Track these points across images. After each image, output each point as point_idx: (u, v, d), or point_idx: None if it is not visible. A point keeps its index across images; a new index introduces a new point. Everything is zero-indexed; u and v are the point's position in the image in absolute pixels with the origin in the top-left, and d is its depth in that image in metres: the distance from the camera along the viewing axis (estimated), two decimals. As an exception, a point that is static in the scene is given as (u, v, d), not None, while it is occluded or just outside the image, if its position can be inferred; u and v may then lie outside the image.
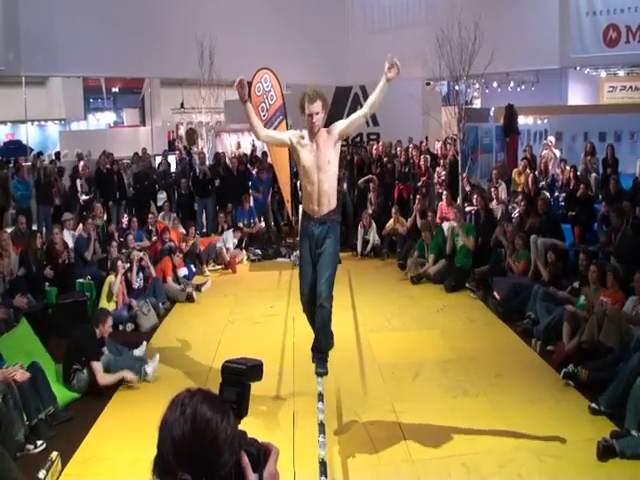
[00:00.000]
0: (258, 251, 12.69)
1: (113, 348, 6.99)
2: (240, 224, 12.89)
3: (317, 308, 5.36)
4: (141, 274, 9.60)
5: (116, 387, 6.54)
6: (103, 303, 8.59)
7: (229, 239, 12.25)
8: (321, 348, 5.53)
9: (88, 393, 6.35)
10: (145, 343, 7.59)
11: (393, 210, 12.57)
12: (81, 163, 13.91)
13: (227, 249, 12.06)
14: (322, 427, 4.78)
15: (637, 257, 8.51)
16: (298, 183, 11.06)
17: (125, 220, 12.06)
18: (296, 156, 5.44)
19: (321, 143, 5.25)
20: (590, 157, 14.50)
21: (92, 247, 10.23)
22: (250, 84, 12.70)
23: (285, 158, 12.82)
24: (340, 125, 5.35)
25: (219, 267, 11.86)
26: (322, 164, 5.24)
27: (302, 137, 5.33)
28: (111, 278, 8.90)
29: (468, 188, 12.92)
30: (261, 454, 1.68)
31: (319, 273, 5.33)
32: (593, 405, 5.62)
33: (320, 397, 5.18)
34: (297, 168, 5.63)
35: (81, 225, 11.27)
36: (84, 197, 13.55)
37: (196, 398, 1.59)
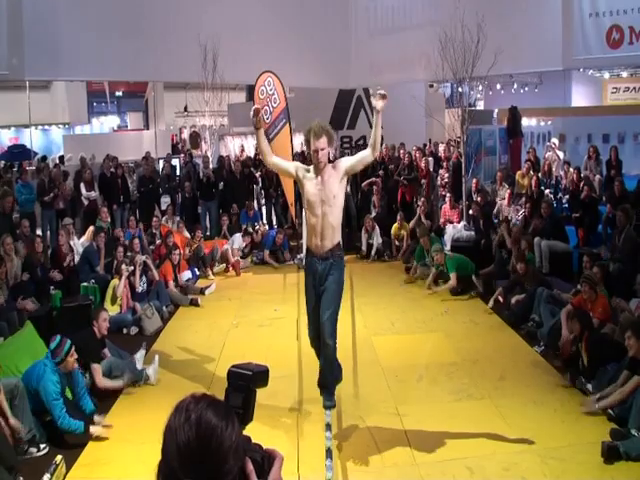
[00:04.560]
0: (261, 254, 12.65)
1: (114, 352, 7.01)
2: (251, 228, 12.86)
3: (321, 345, 5.39)
4: (144, 277, 9.62)
5: (120, 391, 6.54)
6: (107, 306, 8.60)
7: (237, 242, 12.24)
8: (327, 384, 5.55)
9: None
10: (144, 345, 7.59)
11: (398, 216, 12.55)
12: (87, 172, 13.93)
13: (234, 250, 12.04)
14: (329, 453, 4.84)
15: (636, 261, 8.52)
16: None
17: (132, 224, 12.09)
18: (301, 189, 5.47)
19: (326, 178, 5.27)
20: (592, 161, 14.46)
21: (103, 259, 10.26)
22: (254, 92, 12.74)
23: (289, 161, 12.81)
24: (346, 162, 5.39)
25: (222, 266, 11.83)
26: (327, 198, 5.26)
27: (308, 171, 5.36)
28: (115, 281, 8.93)
29: (476, 196, 12.89)
30: (266, 461, 1.69)
31: (322, 311, 5.33)
32: (610, 411, 5.58)
33: (328, 427, 5.23)
34: (303, 202, 5.65)
35: (90, 230, 11.30)
36: (92, 194, 13.56)
37: (201, 404, 1.58)
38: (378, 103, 5.06)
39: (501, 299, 9.11)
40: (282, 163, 5.71)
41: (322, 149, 5.21)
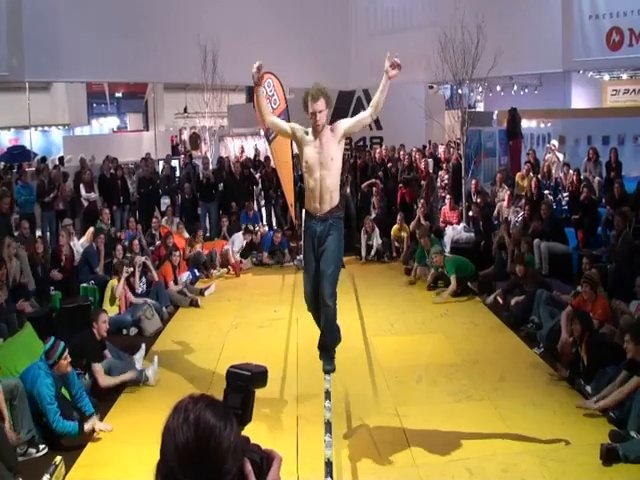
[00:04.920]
0: (260, 255, 12.66)
1: (114, 353, 7.02)
2: (251, 227, 12.84)
3: (321, 307, 5.35)
4: (144, 278, 9.62)
5: (119, 391, 6.54)
6: (106, 307, 8.60)
7: (237, 242, 12.24)
8: (327, 345, 5.53)
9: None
10: (143, 346, 7.59)
11: (398, 217, 12.56)
12: (87, 173, 13.93)
13: (233, 252, 12.04)
14: (329, 426, 4.79)
15: (633, 263, 8.53)
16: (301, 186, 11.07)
17: (132, 225, 12.10)
18: (299, 151, 5.47)
19: (324, 140, 5.26)
20: (592, 162, 14.47)
21: (102, 260, 10.27)
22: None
23: (288, 162, 12.83)
24: (344, 123, 5.37)
25: (224, 271, 11.83)
26: (325, 161, 5.25)
27: (306, 133, 5.35)
28: (114, 282, 8.93)
29: (475, 197, 12.90)
30: (264, 461, 1.69)
31: (322, 271, 5.31)
32: (611, 414, 5.58)
33: (327, 395, 5.19)
34: (300, 164, 5.64)
35: (89, 231, 11.30)
36: (92, 195, 13.56)
37: (199, 404, 1.58)
38: (391, 70, 5.10)
39: (500, 300, 9.11)
40: (280, 122, 5.74)
41: (320, 111, 5.20)
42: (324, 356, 5.54)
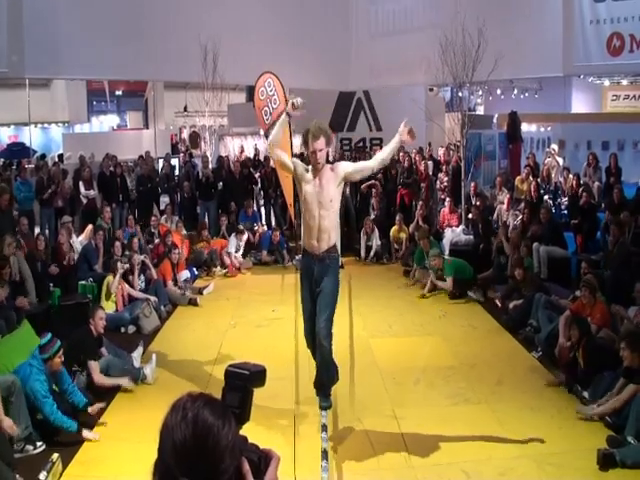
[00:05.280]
0: (260, 254, 12.65)
1: (112, 351, 7.01)
2: (241, 226, 12.81)
3: (317, 346, 5.39)
4: (142, 276, 9.61)
5: (117, 389, 6.53)
6: (102, 302, 8.59)
7: (232, 244, 12.24)
8: (323, 383, 5.57)
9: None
10: (142, 344, 7.58)
11: (397, 218, 12.57)
12: (86, 170, 13.92)
13: (229, 253, 12.05)
14: (325, 454, 4.85)
15: (630, 268, 8.53)
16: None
17: (131, 223, 12.10)
18: (299, 188, 5.47)
19: (324, 181, 5.27)
20: (592, 168, 14.48)
21: (101, 258, 10.26)
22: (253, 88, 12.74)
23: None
24: (346, 167, 5.40)
25: (224, 271, 11.84)
26: (324, 201, 5.26)
27: (307, 170, 5.36)
28: (110, 278, 8.93)
29: (474, 200, 12.90)
30: (262, 461, 1.68)
31: (318, 312, 5.34)
32: (608, 419, 5.56)
33: (324, 428, 5.23)
34: (300, 202, 5.66)
35: (88, 229, 11.28)
36: (91, 193, 13.56)
37: (198, 403, 1.57)
38: (405, 137, 5.25)
39: (499, 304, 9.10)
40: (284, 158, 5.75)
41: (320, 150, 5.21)
42: (320, 393, 5.59)
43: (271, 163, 14.45)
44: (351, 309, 9.25)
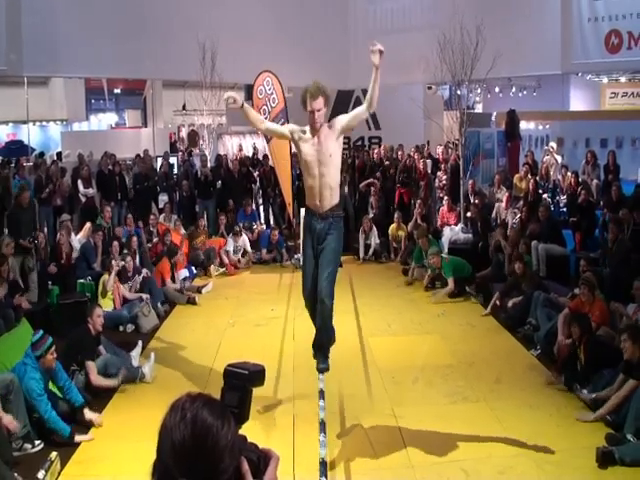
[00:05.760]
0: (258, 253, 12.65)
1: (110, 349, 7.00)
2: (238, 227, 12.80)
3: (318, 304, 5.34)
4: (137, 277, 9.56)
5: (115, 389, 6.52)
6: (100, 302, 8.58)
7: (230, 244, 12.23)
8: (322, 344, 5.52)
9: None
10: (140, 343, 7.58)
11: (396, 216, 12.56)
12: (85, 169, 13.92)
13: (227, 252, 12.05)
14: (323, 426, 4.77)
15: (629, 266, 8.54)
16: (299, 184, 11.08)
17: (130, 222, 12.08)
18: (298, 150, 5.45)
19: (323, 137, 5.24)
20: (590, 165, 14.49)
21: (100, 256, 10.25)
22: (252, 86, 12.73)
23: (287, 161, 12.82)
24: (342, 119, 5.34)
25: (222, 270, 11.84)
26: (324, 158, 5.23)
27: (304, 132, 5.33)
28: (105, 277, 8.95)
29: (473, 198, 12.90)
30: (261, 461, 1.68)
31: (320, 269, 5.31)
32: (608, 417, 5.56)
33: (321, 394, 5.16)
34: (299, 163, 5.63)
35: (86, 227, 11.27)
36: (89, 191, 13.55)
37: (197, 403, 1.57)
38: (375, 58, 5.03)
39: (498, 302, 9.11)
40: (276, 127, 5.77)
41: (318, 110, 5.19)
42: (318, 354, 5.53)
43: (270, 162, 14.45)
44: (355, 308, 9.28)
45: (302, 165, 5.45)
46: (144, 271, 9.75)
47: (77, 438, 5.49)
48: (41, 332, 5.74)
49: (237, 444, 1.59)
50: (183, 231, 12.53)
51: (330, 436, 5.29)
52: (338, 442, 5.35)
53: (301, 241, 5.54)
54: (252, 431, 1.77)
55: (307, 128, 5.32)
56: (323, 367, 5.46)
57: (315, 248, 5.38)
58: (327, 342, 5.55)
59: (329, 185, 5.28)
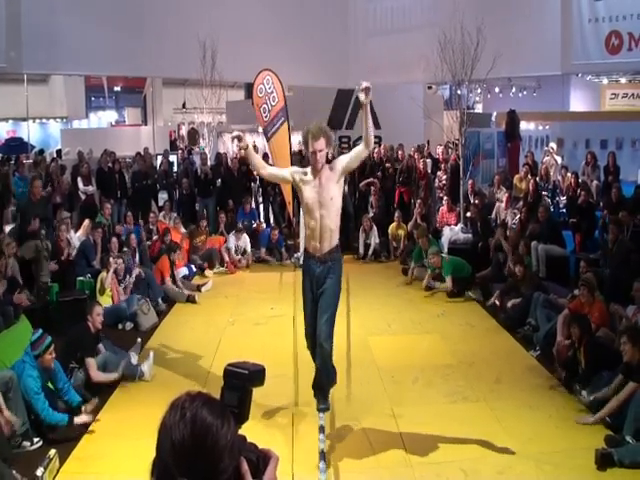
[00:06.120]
0: (258, 252, 12.65)
1: (109, 347, 7.00)
2: (240, 224, 12.79)
3: (317, 348, 5.36)
4: (129, 277, 9.54)
5: (115, 386, 6.53)
6: (98, 299, 8.58)
7: (231, 242, 12.22)
8: (322, 385, 5.55)
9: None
10: (139, 341, 7.58)
11: (396, 215, 12.57)
12: (85, 166, 13.92)
13: (228, 249, 12.04)
14: (322, 455, 4.83)
15: (629, 267, 8.54)
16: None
17: (130, 220, 12.08)
18: (299, 193, 5.45)
19: (324, 180, 5.24)
20: (590, 166, 14.49)
21: (99, 254, 10.24)
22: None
23: (287, 159, 12.81)
24: (343, 160, 5.35)
25: (222, 269, 11.83)
26: (324, 201, 5.23)
27: (305, 174, 5.33)
28: (103, 274, 8.95)
29: (472, 198, 12.90)
30: (261, 461, 1.67)
31: (319, 314, 5.32)
32: (607, 419, 5.56)
33: (321, 429, 5.21)
34: (301, 206, 5.64)
35: (85, 224, 11.25)
36: (89, 189, 13.55)
37: (196, 402, 1.57)
38: (362, 96, 5.03)
39: (497, 302, 9.11)
40: (278, 172, 5.79)
41: (320, 150, 5.18)
42: (319, 395, 5.55)
43: (270, 160, 14.43)
44: (349, 307, 9.25)
45: (303, 208, 5.46)
46: (135, 270, 9.71)
47: (76, 420, 5.51)
48: (40, 331, 5.74)
49: (237, 444, 1.59)
50: (183, 229, 12.52)
51: (330, 435, 5.30)
52: (337, 442, 5.35)
53: (301, 284, 5.55)
54: (251, 430, 1.76)
55: (308, 170, 5.32)
56: (323, 407, 5.49)
57: (314, 291, 5.40)
58: (327, 383, 5.57)
59: (329, 227, 5.28)
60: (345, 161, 5.34)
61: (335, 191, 5.28)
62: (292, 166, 11.69)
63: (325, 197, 5.23)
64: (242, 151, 5.46)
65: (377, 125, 17.83)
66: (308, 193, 5.28)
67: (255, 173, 15.17)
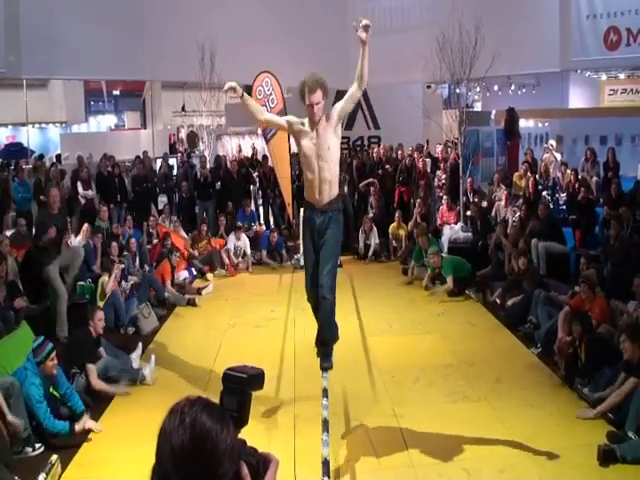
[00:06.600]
0: (258, 254, 12.65)
1: (110, 352, 7.00)
2: (239, 224, 12.78)
3: (319, 300, 5.31)
4: (124, 282, 9.55)
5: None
6: (99, 304, 8.57)
7: (231, 242, 12.22)
8: (325, 340, 5.47)
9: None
10: (140, 345, 7.58)
11: (396, 215, 12.57)
12: (84, 171, 13.92)
13: (228, 251, 12.04)
14: (326, 425, 4.76)
15: (630, 263, 8.54)
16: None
17: (129, 223, 12.08)
18: (297, 144, 5.43)
19: (321, 130, 5.21)
20: (589, 163, 14.49)
21: (99, 258, 10.24)
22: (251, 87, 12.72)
23: (286, 161, 12.81)
24: (337, 106, 5.30)
25: (222, 272, 11.84)
26: (322, 151, 5.21)
27: (302, 124, 5.30)
28: (104, 278, 8.92)
29: (472, 196, 12.90)
30: (260, 465, 1.68)
31: (320, 264, 5.29)
32: (609, 414, 5.56)
33: (325, 393, 5.15)
34: (299, 158, 5.62)
35: (84, 229, 11.25)
36: (89, 193, 13.56)
37: (196, 407, 1.57)
38: (362, 34, 5.03)
39: (498, 300, 9.10)
40: (275, 118, 5.76)
41: (317, 103, 5.15)
42: (322, 352, 5.47)
43: (269, 162, 14.44)
44: (356, 308, 9.27)
45: (301, 159, 5.45)
46: (133, 278, 9.73)
47: (77, 427, 5.52)
48: (41, 338, 5.73)
49: (236, 448, 1.60)
50: (183, 232, 12.51)
51: (331, 435, 5.30)
52: (339, 442, 5.35)
53: (301, 235, 5.50)
54: (253, 432, 1.77)
55: (306, 120, 5.29)
56: (327, 366, 5.41)
57: (315, 242, 5.37)
58: (330, 339, 5.50)
59: (328, 178, 5.26)
60: (340, 106, 5.29)
61: (333, 140, 5.26)
62: (291, 159, 11.70)
63: (323, 147, 5.20)
64: (239, 98, 5.45)
65: (376, 125, 17.91)
66: (306, 144, 5.26)
67: (255, 174, 15.32)
